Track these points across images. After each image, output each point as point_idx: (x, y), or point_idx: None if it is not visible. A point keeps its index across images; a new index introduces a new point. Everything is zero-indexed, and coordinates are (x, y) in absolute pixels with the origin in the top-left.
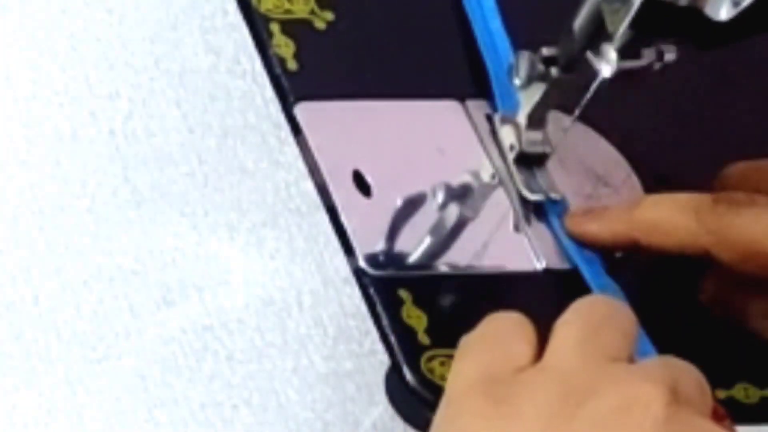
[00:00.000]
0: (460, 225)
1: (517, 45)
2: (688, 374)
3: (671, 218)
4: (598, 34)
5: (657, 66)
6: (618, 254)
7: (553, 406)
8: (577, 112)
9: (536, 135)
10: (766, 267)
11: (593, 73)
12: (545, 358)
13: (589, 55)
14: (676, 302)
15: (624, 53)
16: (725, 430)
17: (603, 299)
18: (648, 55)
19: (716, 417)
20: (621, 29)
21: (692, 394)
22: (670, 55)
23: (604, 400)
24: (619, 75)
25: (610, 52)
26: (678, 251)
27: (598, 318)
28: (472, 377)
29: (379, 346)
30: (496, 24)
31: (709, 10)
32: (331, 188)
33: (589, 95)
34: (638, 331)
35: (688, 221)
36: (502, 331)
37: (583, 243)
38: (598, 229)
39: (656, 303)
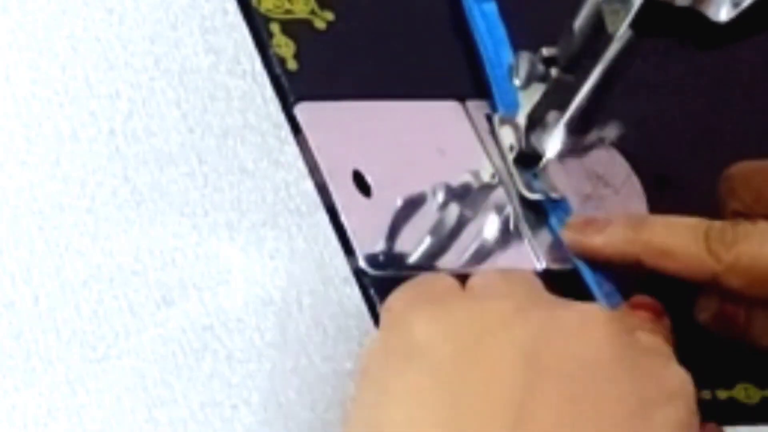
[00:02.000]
0: (460, 225)
1: (517, 45)
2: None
3: (680, 243)
4: (598, 34)
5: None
6: None
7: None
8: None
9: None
10: None
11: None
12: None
13: (535, 133)
14: (677, 302)
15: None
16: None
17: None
18: (591, 137)
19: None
20: (621, 29)
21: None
22: (612, 133)
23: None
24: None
25: (556, 137)
26: (683, 276)
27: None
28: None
29: None
30: (496, 25)
31: (709, 11)
32: (331, 188)
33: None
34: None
35: (697, 247)
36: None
37: (581, 255)
38: (602, 244)
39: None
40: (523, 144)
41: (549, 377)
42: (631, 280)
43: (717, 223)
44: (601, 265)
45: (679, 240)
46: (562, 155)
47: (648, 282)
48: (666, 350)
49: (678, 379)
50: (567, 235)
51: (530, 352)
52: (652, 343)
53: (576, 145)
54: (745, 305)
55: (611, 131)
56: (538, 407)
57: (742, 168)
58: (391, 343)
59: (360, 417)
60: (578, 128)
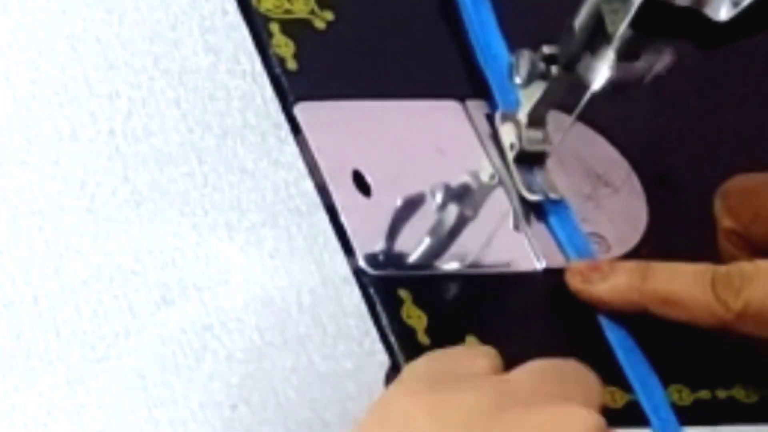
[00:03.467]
0: (459, 225)
1: (518, 44)
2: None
3: (688, 292)
4: (597, 33)
5: (649, 77)
6: None
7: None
8: (576, 112)
9: (536, 134)
10: None
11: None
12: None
13: (581, 66)
14: None
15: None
16: None
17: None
18: (644, 61)
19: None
20: (621, 29)
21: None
22: (662, 64)
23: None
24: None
25: (604, 64)
26: (692, 323)
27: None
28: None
29: (379, 346)
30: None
31: (709, 11)
32: (331, 188)
33: (580, 108)
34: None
35: (705, 296)
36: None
37: (587, 304)
38: (608, 294)
39: None
40: (524, 143)
41: None
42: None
43: (722, 269)
44: (608, 311)
45: (686, 289)
46: (609, 87)
47: None
48: None
49: None
50: (572, 283)
51: None
52: None
53: (625, 75)
54: None
55: (662, 59)
56: None
57: (738, 184)
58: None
59: None
60: (628, 54)
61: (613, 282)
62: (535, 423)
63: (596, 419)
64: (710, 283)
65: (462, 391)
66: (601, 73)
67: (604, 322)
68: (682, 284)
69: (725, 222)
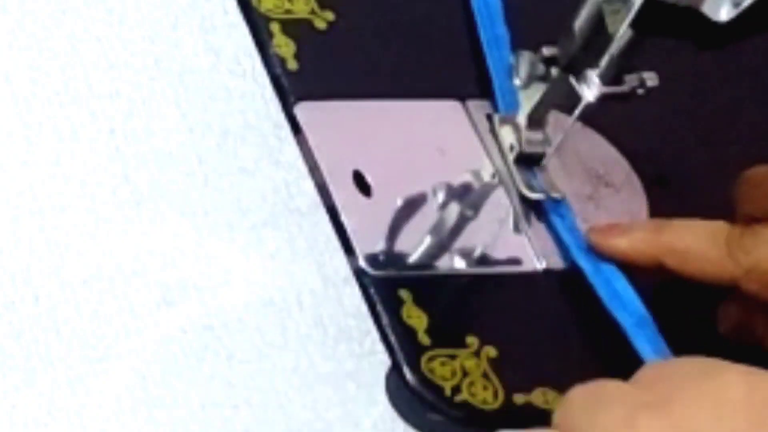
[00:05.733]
0: (460, 225)
1: (517, 45)
2: None
3: (701, 247)
4: (598, 34)
5: (640, 92)
6: None
7: None
8: (573, 119)
9: (536, 135)
10: None
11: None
12: None
13: (572, 79)
14: (678, 302)
15: (606, 78)
16: None
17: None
18: (630, 81)
19: None
20: (621, 29)
21: None
22: (652, 82)
23: None
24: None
25: (593, 77)
26: (704, 279)
27: None
28: None
29: (379, 346)
30: (500, 25)
31: (709, 11)
32: (331, 188)
33: (574, 118)
34: None
35: (718, 251)
36: None
37: (606, 256)
38: (626, 245)
39: (658, 303)
40: (524, 144)
41: None
42: (632, 279)
43: (737, 228)
44: (625, 268)
45: (700, 243)
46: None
47: (650, 282)
48: None
49: None
50: (592, 237)
51: None
52: None
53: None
54: (763, 315)
55: (651, 76)
56: None
57: (758, 172)
58: None
59: None
60: (612, 78)
61: (631, 235)
62: None
63: None
64: (725, 240)
65: None
66: (592, 86)
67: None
68: (695, 238)
69: (746, 207)
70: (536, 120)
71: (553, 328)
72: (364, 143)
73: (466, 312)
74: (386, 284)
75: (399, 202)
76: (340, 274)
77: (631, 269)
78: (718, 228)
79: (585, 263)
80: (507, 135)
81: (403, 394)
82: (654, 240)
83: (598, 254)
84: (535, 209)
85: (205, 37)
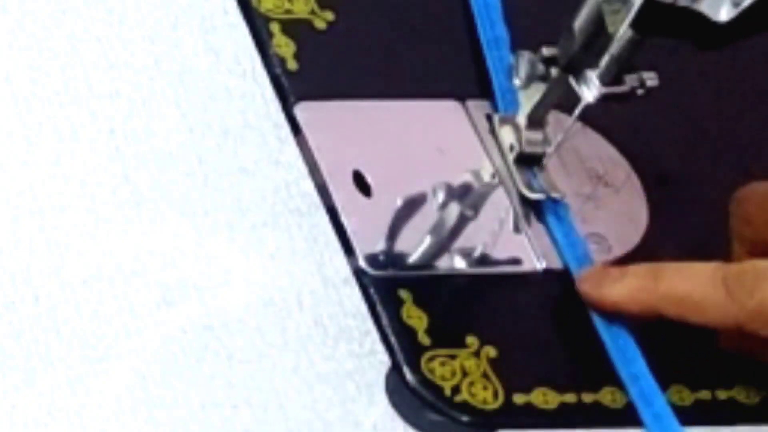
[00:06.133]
0: (460, 225)
1: (517, 45)
2: None
3: (700, 292)
4: (598, 34)
5: (639, 92)
6: None
7: None
8: (575, 116)
9: (536, 135)
10: None
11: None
12: None
13: (572, 80)
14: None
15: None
16: None
17: None
18: (630, 81)
19: None
20: (621, 29)
21: None
22: (652, 82)
23: None
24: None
25: (593, 78)
26: (706, 325)
27: None
28: None
29: (379, 346)
30: (500, 25)
31: (709, 11)
32: (331, 188)
33: (574, 118)
34: None
35: (717, 295)
36: None
37: (600, 309)
38: (619, 295)
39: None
40: (524, 144)
41: None
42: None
43: (733, 267)
44: (619, 318)
45: (698, 288)
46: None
47: None
48: None
49: None
50: (583, 289)
51: None
52: None
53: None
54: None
55: (650, 76)
56: None
57: (755, 191)
58: None
59: None
60: (612, 78)
61: (625, 284)
62: None
63: None
64: (722, 281)
65: None
66: (592, 87)
67: (599, 324)
68: (694, 283)
69: (744, 231)
70: (536, 120)
71: (553, 328)
72: (364, 143)
73: (466, 312)
74: (386, 284)
75: (399, 202)
76: (340, 274)
77: (625, 317)
78: (714, 269)
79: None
80: (507, 135)
81: (403, 394)
82: (649, 288)
83: (592, 307)
84: (535, 209)
85: (205, 37)
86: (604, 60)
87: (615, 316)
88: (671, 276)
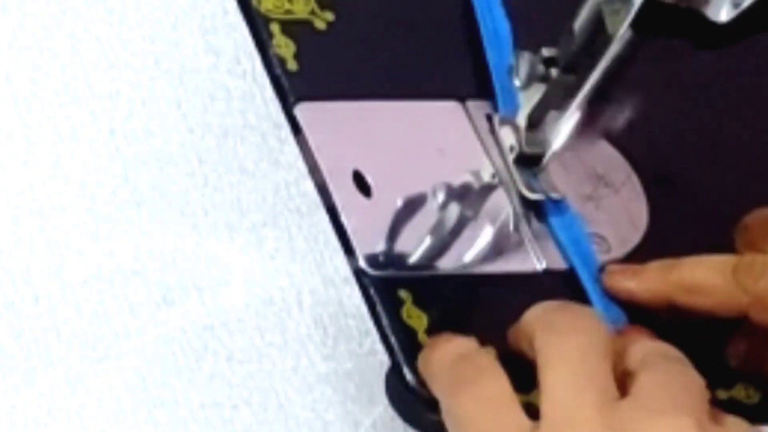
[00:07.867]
0: (460, 225)
1: (518, 45)
2: (689, 386)
3: (709, 279)
4: (598, 34)
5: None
6: None
7: None
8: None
9: (536, 136)
10: None
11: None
12: (543, 413)
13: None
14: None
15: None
16: None
17: (562, 311)
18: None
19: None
20: (621, 30)
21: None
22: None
23: None
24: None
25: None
26: (715, 311)
27: (575, 345)
28: None
29: (379, 346)
30: (502, 24)
31: (709, 11)
32: (331, 188)
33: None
34: (608, 338)
35: (726, 282)
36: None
37: (619, 299)
38: (636, 287)
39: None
40: (524, 145)
41: None
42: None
43: (746, 257)
44: (637, 308)
45: (707, 275)
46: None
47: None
48: None
49: None
50: (606, 280)
51: None
52: None
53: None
54: None
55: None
56: None
57: (760, 217)
58: None
59: None
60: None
61: (642, 277)
62: None
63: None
64: (731, 270)
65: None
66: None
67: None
68: (704, 272)
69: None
70: (536, 121)
71: None
72: (364, 143)
73: (465, 312)
74: (386, 284)
75: (399, 203)
76: (340, 274)
77: (643, 310)
78: (725, 259)
79: (581, 267)
80: (507, 135)
81: (403, 394)
82: (664, 278)
83: (612, 297)
84: (535, 209)
85: (205, 37)
86: (621, 32)
87: (633, 307)
88: (684, 266)
